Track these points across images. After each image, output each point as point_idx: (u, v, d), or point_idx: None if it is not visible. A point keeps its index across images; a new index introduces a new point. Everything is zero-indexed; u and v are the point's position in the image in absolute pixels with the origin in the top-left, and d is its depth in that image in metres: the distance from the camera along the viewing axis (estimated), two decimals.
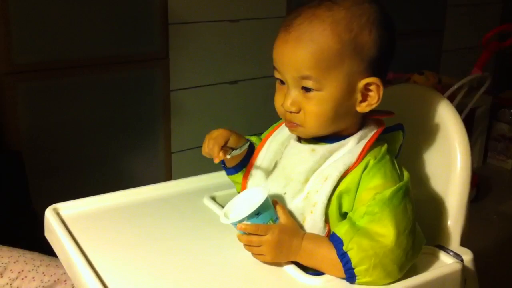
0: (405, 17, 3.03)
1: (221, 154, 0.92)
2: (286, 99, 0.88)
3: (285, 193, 0.92)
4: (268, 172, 0.97)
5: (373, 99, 0.87)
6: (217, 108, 2.49)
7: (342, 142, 0.89)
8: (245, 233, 0.87)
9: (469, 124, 2.98)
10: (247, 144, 0.96)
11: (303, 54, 0.84)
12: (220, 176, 1.16)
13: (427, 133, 1.02)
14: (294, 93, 0.87)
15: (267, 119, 2.91)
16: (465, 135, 0.99)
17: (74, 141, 2.10)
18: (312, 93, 0.86)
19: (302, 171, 0.90)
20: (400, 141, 0.94)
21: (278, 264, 0.88)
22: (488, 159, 3.21)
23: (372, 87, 0.86)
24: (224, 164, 1.03)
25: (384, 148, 0.89)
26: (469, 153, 0.98)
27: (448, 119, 1.00)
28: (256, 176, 0.98)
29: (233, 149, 0.95)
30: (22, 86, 1.93)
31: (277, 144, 0.98)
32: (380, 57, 0.86)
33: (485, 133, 3.12)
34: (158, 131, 2.32)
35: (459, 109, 2.60)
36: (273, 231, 0.85)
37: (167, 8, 2.20)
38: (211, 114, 2.48)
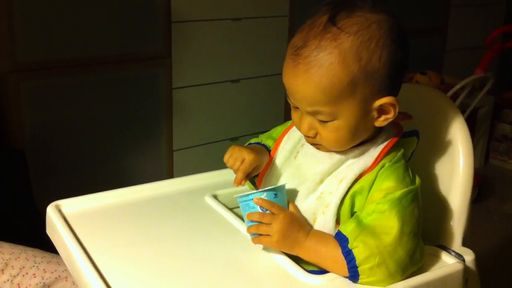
0: (408, 16, 3.03)
1: (243, 182, 0.94)
2: (302, 125, 0.88)
3: (298, 192, 0.92)
4: (282, 170, 0.97)
5: (390, 114, 0.86)
6: (219, 106, 2.49)
7: (360, 147, 0.89)
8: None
9: (472, 124, 2.98)
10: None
11: (313, 90, 0.82)
12: (222, 175, 1.17)
13: (430, 133, 1.01)
14: (310, 120, 0.87)
15: (269, 117, 2.93)
16: (468, 135, 0.99)
17: (76, 139, 2.11)
18: (327, 122, 0.85)
19: (318, 172, 0.90)
20: (413, 147, 0.94)
21: (280, 263, 0.88)
22: (490, 159, 3.21)
23: (387, 106, 0.85)
24: None
25: (400, 153, 0.89)
26: (471, 153, 0.98)
27: (451, 120, 1.00)
28: (270, 174, 0.99)
29: (254, 176, 0.97)
30: (26, 85, 1.94)
31: (292, 142, 0.98)
32: (393, 76, 0.85)
33: (487, 134, 3.12)
34: (160, 129, 2.32)
35: (462, 109, 2.60)
36: (287, 213, 0.87)
37: (170, 6, 2.20)
38: (213, 112, 2.48)
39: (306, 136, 0.90)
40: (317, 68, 0.81)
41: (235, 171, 0.95)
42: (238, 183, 0.95)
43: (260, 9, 2.49)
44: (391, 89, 0.86)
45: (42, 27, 1.93)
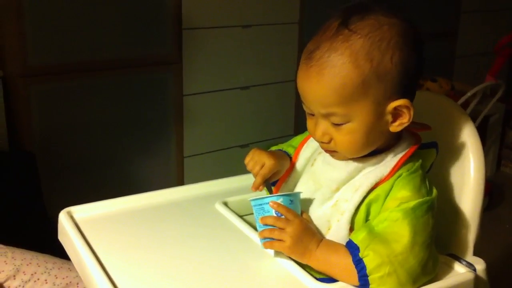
0: (418, 21, 3.01)
1: (260, 187, 0.95)
2: (317, 130, 0.88)
3: (314, 198, 0.93)
4: (300, 177, 0.98)
5: (404, 119, 0.86)
6: (229, 113, 2.50)
7: (378, 156, 0.89)
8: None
9: (483, 132, 2.96)
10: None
11: (325, 91, 0.83)
12: (233, 182, 1.17)
13: (441, 141, 1.01)
14: (324, 125, 0.87)
15: (279, 124, 2.92)
16: (479, 143, 0.98)
17: (86, 143, 2.12)
18: (341, 125, 0.85)
19: (334, 180, 0.90)
20: (432, 159, 0.93)
21: (291, 271, 0.88)
22: (502, 167, 3.19)
23: (401, 108, 0.85)
24: None
25: (418, 163, 0.88)
26: (482, 161, 0.97)
27: (462, 127, 0.99)
28: (289, 181, 0.99)
29: (273, 183, 0.98)
30: (35, 88, 1.95)
31: (310, 150, 0.99)
32: (407, 78, 0.85)
33: (498, 141, 3.10)
34: (171, 135, 2.33)
35: (473, 116, 2.58)
36: (301, 220, 0.88)
37: (181, 13, 2.21)
38: (223, 119, 2.48)
39: (321, 142, 0.90)
40: (329, 68, 0.82)
41: (254, 175, 0.96)
42: (256, 188, 0.95)
43: (270, 16, 2.50)
44: (405, 92, 0.86)
45: (52, 31, 1.94)
